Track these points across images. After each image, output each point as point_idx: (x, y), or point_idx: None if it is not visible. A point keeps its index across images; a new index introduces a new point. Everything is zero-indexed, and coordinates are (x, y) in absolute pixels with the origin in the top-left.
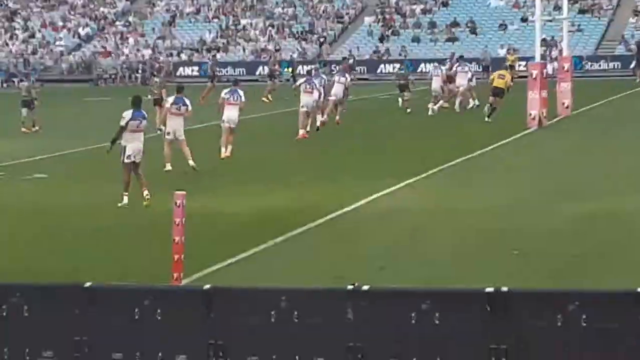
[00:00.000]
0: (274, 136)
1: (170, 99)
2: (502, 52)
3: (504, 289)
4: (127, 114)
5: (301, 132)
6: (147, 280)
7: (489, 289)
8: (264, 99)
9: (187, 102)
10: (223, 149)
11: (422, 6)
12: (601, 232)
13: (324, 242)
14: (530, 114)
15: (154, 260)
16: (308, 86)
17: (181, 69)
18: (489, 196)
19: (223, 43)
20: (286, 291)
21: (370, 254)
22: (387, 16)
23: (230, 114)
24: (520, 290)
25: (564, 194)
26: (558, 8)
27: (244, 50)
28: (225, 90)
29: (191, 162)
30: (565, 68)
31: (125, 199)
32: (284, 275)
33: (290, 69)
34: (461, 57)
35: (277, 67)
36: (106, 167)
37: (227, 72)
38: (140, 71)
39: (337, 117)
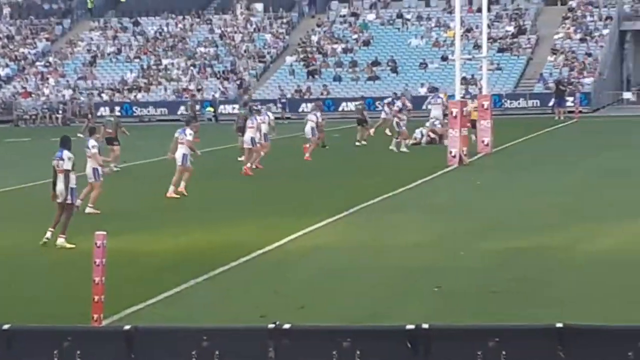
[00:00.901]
0: (199, 174)
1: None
2: (422, 91)
3: (425, 325)
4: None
5: (246, 166)
6: (67, 321)
7: (410, 326)
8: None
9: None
10: (171, 188)
11: (343, 45)
12: (520, 268)
13: (247, 280)
14: (451, 152)
15: (73, 301)
16: (251, 122)
17: (102, 109)
18: (411, 234)
19: (144, 83)
20: (207, 331)
21: (293, 292)
22: (309, 55)
23: (177, 152)
24: (441, 326)
25: (484, 231)
26: (478, 47)
27: (165, 90)
28: (178, 130)
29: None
30: (485, 106)
31: (48, 234)
32: (206, 315)
33: (212, 109)
34: (435, 89)
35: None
36: (26, 208)
37: (148, 112)
38: (60, 112)
39: (307, 155)
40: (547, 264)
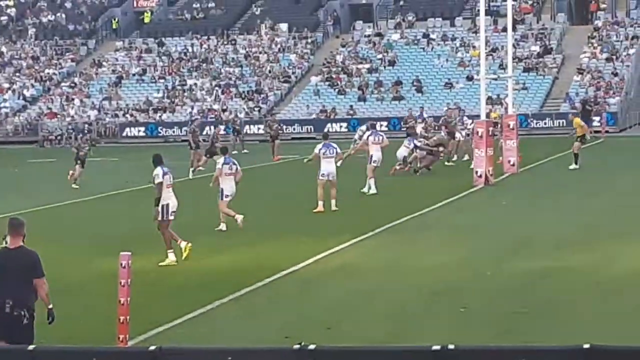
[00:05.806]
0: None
1: (221, 160)
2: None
3: (451, 346)
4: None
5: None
6: (93, 342)
7: (436, 347)
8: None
9: (236, 162)
10: (320, 203)
11: (368, 65)
12: (548, 288)
13: (273, 301)
14: (477, 172)
15: (99, 322)
16: (378, 138)
17: (127, 129)
18: (436, 254)
19: (169, 103)
20: (233, 351)
21: (319, 313)
22: (334, 75)
23: (329, 167)
24: (468, 347)
25: (510, 251)
26: (503, 67)
27: (191, 109)
28: (319, 146)
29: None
30: (511, 126)
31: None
32: (230, 336)
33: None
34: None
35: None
36: (52, 228)
37: (173, 132)
38: (86, 132)
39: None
40: (573, 285)
